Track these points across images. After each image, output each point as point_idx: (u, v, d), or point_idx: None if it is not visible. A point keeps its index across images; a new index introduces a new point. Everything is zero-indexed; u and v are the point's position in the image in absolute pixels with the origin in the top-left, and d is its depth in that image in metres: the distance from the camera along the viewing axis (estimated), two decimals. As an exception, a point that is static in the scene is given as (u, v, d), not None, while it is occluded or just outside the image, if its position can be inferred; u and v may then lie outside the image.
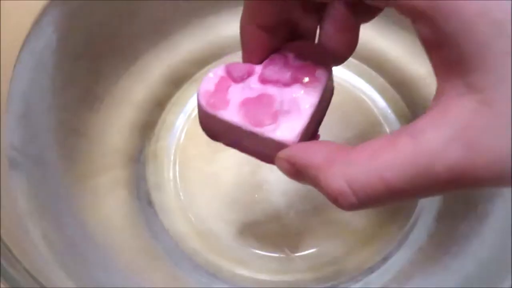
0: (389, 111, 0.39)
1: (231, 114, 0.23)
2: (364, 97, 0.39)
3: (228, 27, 0.40)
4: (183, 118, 0.39)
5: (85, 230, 0.33)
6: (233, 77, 0.24)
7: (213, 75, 0.24)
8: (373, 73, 0.40)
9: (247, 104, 0.23)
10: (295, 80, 0.23)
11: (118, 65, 0.38)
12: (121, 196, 0.36)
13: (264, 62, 0.24)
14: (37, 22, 0.32)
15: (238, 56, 0.41)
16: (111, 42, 0.37)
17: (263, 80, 0.23)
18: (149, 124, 0.39)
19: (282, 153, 0.22)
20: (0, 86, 0.30)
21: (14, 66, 0.31)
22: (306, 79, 0.23)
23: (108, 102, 0.37)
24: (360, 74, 0.40)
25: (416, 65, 0.39)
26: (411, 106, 0.39)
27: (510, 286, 0.27)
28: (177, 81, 0.40)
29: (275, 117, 0.23)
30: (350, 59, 0.41)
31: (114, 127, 0.37)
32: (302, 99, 0.23)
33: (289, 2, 0.22)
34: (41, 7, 0.32)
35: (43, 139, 0.33)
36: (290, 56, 0.24)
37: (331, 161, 0.19)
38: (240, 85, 0.24)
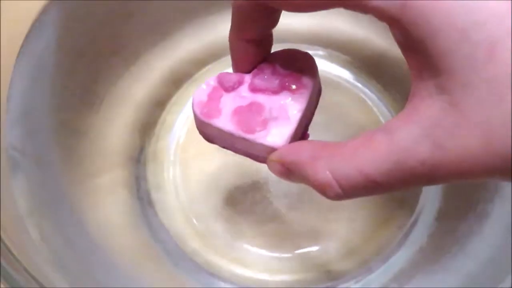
0: (389, 111, 0.39)
1: (224, 122, 0.24)
2: (364, 96, 0.39)
3: (228, 27, 0.40)
4: (183, 118, 0.39)
5: (85, 230, 0.33)
6: (225, 87, 0.25)
7: (205, 86, 0.25)
8: (373, 73, 0.40)
9: (238, 112, 0.25)
10: (283, 88, 0.25)
11: (118, 65, 0.38)
12: (121, 196, 0.36)
13: (253, 72, 0.26)
14: (37, 22, 0.32)
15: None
16: (111, 42, 0.37)
17: (253, 89, 0.25)
18: (149, 124, 0.39)
19: (272, 156, 0.23)
20: (0, 86, 0.30)
21: (14, 66, 0.31)
22: (294, 86, 0.25)
23: (108, 102, 0.37)
24: (360, 74, 0.40)
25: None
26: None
27: (510, 286, 0.27)
28: (177, 81, 0.40)
29: (265, 123, 0.24)
30: (350, 59, 0.41)
31: (114, 127, 0.37)
32: (290, 106, 0.24)
33: (272, 18, 0.23)
34: (41, 7, 0.32)
35: (43, 139, 0.33)
36: (278, 64, 0.25)
37: (317, 156, 0.21)
38: (232, 94, 0.25)
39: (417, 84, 0.19)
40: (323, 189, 0.20)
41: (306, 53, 0.26)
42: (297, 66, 0.25)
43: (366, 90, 0.39)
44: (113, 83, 0.37)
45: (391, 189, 0.19)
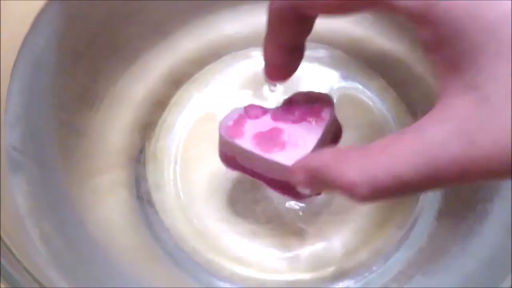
0: (389, 111, 0.39)
1: (245, 142, 0.27)
2: (364, 97, 0.39)
3: (228, 26, 0.40)
4: (183, 118, 0.39)
5: (85, 230, 0.33)
6: (250, 115, 0.28)
7: (233, 112, 0.29)
8: (373, 73, 0.40)
9: (259, 135, 0.27)
10: (302, 119, 0.28)
11: (118, 65, 0.38)
12: (121, 196, 0.36)
13: (277, 106, 0.29)
14: (37, 22, 0.32)
15: (238, 56, 0.41)
16: (111, 41, 0.37)
17: (275, 118, 0.28)
18: (149, 124, 0.39)
19: (295, 165, 0.24)
20: (0, 86, 0.30)
21: (14, 65, 0.31)
22: (312, 119, 0.28)
23: (108, 102, 0.37)
24: (360, 74, 0.40)
25: (416, 65, 0.39)
26: (411, 106, 0.39)
27: (510, 286, 0.27)
28: (177, 81, 0.40)
29: (282, 145, 0.27)
30: (350, 59, 0.41)
31: (114, 127, 0.37)
32: (307, 134, 0.27)
33: (305, 26, 0.24)
34: (41, 7, 0.32)
35: (43, 139, 0.33)
36: (299, 101, 0.28)
37: (343, 158, 0.21)
38: (255, 121, 0.28)
39: (445, 82, 0.19)
40: (350, 191, 0.20)
41: (326, 94, 0.29)
42: (317, 104, 0.28)
43: (366, 90, 0.39)
44: (113, 83, 0.37)
45: (421, 189, 0.19)
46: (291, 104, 0.28)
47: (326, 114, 0.27)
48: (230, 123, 0.28)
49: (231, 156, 0.29)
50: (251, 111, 0.28)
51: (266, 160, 0.26)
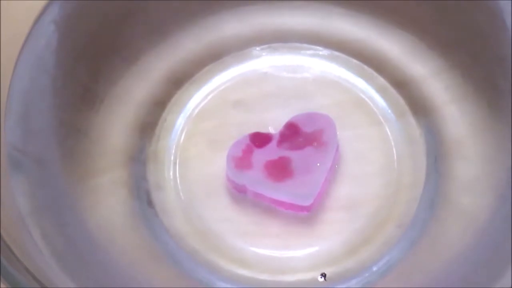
0: (389, 111, 0.39)
1: (256, 173, 0.29)
2: (364, 96, 0.39)
3: (228, 27, 0.40)
4: (183, 118, 0.39)
5: (85, 230, 0.33)
6: (256, 143, 0.30)
7: (239, 142, 0.31)
8: (374, 73, 0.40)
9: (268, 165, 0.29)
10: (307, 144, 0.30)
11: (118, 65, 0.38)
12: (121, 196, 0.36)
13: (280, 131, 0.31)
14: (38, 22, 0.32)
15: (238, 56, 0.41)
16: (111, 42, 0.37)
17: (280, 146, 0.30)
18: (149, 124, 0.39)
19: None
20: (0, 86, 0.30)
21: (14, 65, 0.31)
22: (316, 143, 0.30)
23: (109, 101, 0.37)
24: (360, 74, 0.40)
25: (417, 64, 0.39)
26: (411, 106, 0.39)
27: (510, 286, 0.27)
28: (178, 81, 0.40)
29: (291, 174, 0.29)
30: (350, 59, 0.41)
31: (115, 126, 0.37)
32: (313, 159, 0.29)
33: None
34: (41, 7, 0.32)
35: (43, 138, 0.33)
36: (301, 124, 0.30)
37: None
38: (262, 150, 0.30)
39: None
40: None
41: (326, 115, 0.31)
42: (317, 125, 0.30)
43: (366, 90, 0.39)
44: (114, 82, 0.37)
45: None
46: (294, 128, 0.30)
47: (328, 138, 0.30)
48: (239, 153, 0.30)
49: (242, 185, 0.31)
50: (257, 140, 0.30)
51: (277, 189, 0.29)
